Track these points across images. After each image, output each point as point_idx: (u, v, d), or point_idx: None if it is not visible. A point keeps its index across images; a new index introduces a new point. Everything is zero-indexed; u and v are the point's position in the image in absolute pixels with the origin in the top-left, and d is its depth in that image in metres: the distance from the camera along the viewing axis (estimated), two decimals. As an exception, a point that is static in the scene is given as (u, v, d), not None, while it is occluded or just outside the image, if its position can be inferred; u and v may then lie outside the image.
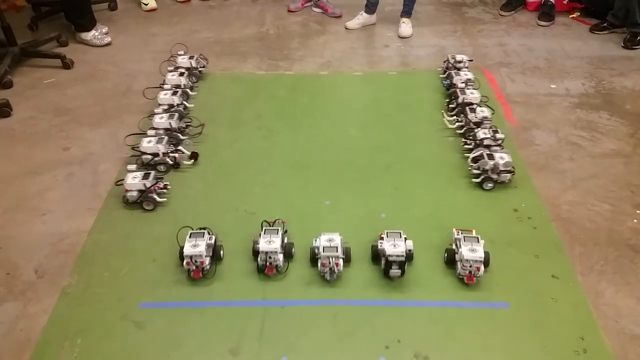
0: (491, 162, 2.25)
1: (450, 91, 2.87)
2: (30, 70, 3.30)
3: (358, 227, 2.11)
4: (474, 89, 2.78)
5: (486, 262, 1.87)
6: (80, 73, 3.29)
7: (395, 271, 1.84)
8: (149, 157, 2.38)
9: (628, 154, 2.53)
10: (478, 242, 1.87)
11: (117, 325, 1.76)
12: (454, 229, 1.97)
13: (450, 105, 2.78)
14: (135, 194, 2.19)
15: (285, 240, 1.96)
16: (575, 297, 1.83)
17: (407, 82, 3.17)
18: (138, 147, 2.40)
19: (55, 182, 2.39)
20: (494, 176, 2.26)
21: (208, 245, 1.90)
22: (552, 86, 3.09)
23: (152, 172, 2.23)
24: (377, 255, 1.93)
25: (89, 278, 1.92)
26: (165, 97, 2.72)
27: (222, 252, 1.97)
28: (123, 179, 2.22)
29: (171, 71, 2.98)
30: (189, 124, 2.66)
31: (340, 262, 1.85)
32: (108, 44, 3.61)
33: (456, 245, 1.92)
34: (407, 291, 1.86)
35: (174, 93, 2.74)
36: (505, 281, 1.89)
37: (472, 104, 2.65)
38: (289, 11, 4.11)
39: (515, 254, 2.00)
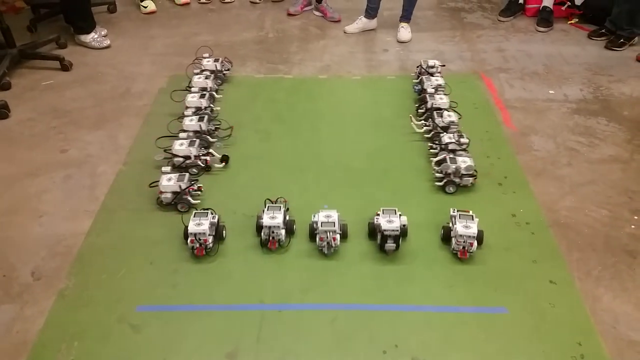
0: (453, 166, 2.26)
1: (420, 96, 2.89)
2: (29, 72, 3.30)
3: (355, 232, 2.11)
4: (444, 94, 2.80)
5: (479, 239, 1.97)
6: (79, 75, 3.29)
7: (390, 245, 1.95)
8: (181, 159, 2.38)
9: (626, 159, 2.53)
10: (473, 220, 1.96)
11: (114, 328, 1.75)
12: (451, 208, 2.05)
13: (420, 110, 2.80)
14: (169, 195, 2.19)
15: (287, 217, 2.07)
16: (572, 303, 1.83)
17: (406, 87, 3.17)
18: (170, 149, 2.40)
19: (52, 184, 2.39)
20: (456, 180, 2.28)
21: (211, 224, 1.97)
22: (551, 92, 3.10)
23: (187, 174, 2.23)
24: (373, 231, 2.04)
25: (86, 280, 1.92)
26: (193, 99, 2.72)
27: (224, 231, 2.06)
28: (157, 181, 2.21)
29: (197, 74, 2.99)
30: (218, 126, 2.66)
31: (337, 236, 1.96)
32: (107, 47, 3.61)
33: (451, 221, 2.01)
34: (405, 295, 1.86)
35: (202, 96, 2.75)
36: (504, 286, 1.89)
37: (440, 108, 2.67)
38: (289, 14, 4.11)
39: (514, 259, 2.00)
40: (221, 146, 2.48)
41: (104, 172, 2.45)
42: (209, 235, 1.95)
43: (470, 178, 2.29)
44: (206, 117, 2.57)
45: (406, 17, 3.76)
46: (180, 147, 2.38)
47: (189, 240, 1.95)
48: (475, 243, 1.95)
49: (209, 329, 1.75)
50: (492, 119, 2.82)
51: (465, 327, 1.75)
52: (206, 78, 2.93)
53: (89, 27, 3.59)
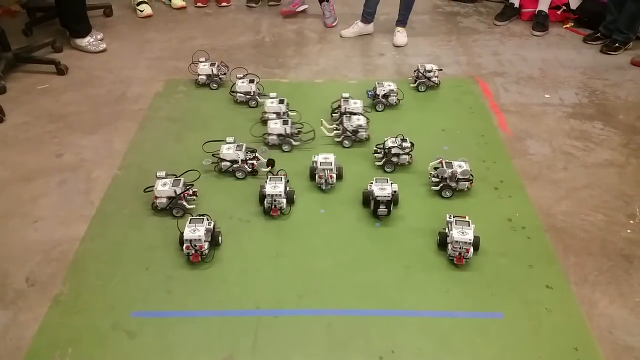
0: (449, 171, 2.27)
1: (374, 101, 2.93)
2: (24, 76, 3.29)
3: (354, 236, 2.11)
4: (397, 100, 2.89)
5: (476, 245, 1.97)
6: (74, 79, 3.28)
7: (382, 210, 2.12)
8: (228, 163, 2.39)
9: (621, 164, 2.54)
10: (469, 226, 1.96)
11: (108, 334, 1.74)
12: (447, 214, 2.06)
13: (334, 114, 2.82)
14: (164, 200, 2.18)
15: (288, 188, 2.23)
16: (569, 308, 1.83)
17: (402, 91, 3.17)
18: (218, 153, 2.41)
19: (47, 188, 2.38)
20: (452, 184, 2.29)
21: (207, 231, 1.97)
22: (546, 96, 3.11)
23: (182, 179, 2.22)
24: (367, 199, 2.21)
25: (80, 286, 1.91)
26: (272, 105, 2.74)
27: (220, 238, 2.05)
28: (152, 186, 2.20)
29: (240, 78, 2.98)
30: (300, 129, 2.67)
31: (334, 175, 2.28)
32: (103, 51, 3.60)
33: (448, 227, 2.01)
34: (402, 300, 1.86)
35: (281, 101, 2.75)
36: (500, 291, 1.89)
37: (352, 113, 2.68)
38: (282, 13, 4.10)
39: (510, 263, 2.00)
40: (266, 150, 2.50)
41: (99, 177, 2.44)
42: (205, 241, 1.95)
43: (467, 183, 2.29)
44: (290, 120, 2.61)
45: (402, 21, 3.77)
46: (228, 151, 2.39)
47: (184, 247, 1.95)
48: (472, 249, 1.95)
49: (204, 334, 1.74)
50: (488, 123, 2.82)
51: (461, 332, 1.75)
52: (250, 82, 2.93)
53: (85, 31, 3.58)
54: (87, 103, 3.03)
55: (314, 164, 2.32)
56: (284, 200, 2.17)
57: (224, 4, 4.34)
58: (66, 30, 3.62)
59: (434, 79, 3.10)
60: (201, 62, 3.12)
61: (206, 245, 1.96)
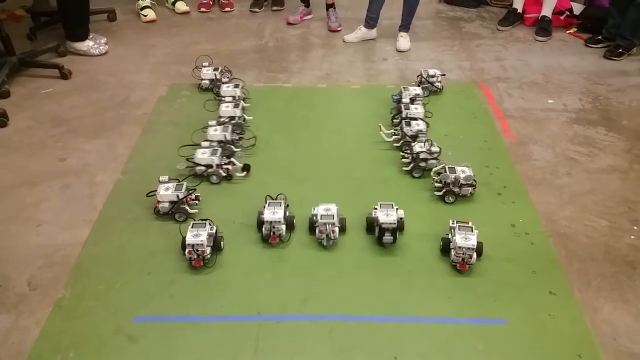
0: (452, 176, 2.26)
1: (397, 105, 2.91)
2: (28, 80, 3.30)
3: (356, 240, 2.11)
4: (422, 104, 2.84)
5: (479, 251, 1.95)
6: (78, 83, 3.29)
7: (387, 238, 2.01)
8: (203, 168, 2.39)
9: (625, 169, 2.53)
10: (472, 231, 1.96)
11: (110, 339, 1.74)
12: (450, 220, 2.05)
13: (395, 120, 2.82)
14: (167, 205, 2.18)
15: (287, 213, 2.12)
16: (572, 314, 1.82)
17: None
18: (192, 158, 2.41)
19: (51, 192, 2.38)
20: (456, 189, 2.28)
21: (209, 235, 1.97)
22: (550, 101, 3.11)
23: (184, 184, 2.23)
24: (371, 225, 2.09)
25: (83, 291, 1.91)
26: (227, 109, 2.74)
27: (222, 242, 2.04)
28: (155, 190, 2.21)
29: (224, 83, 3.00)
30: (241, 136, 2.67)
31: (337, 229, 2.03)
32: (105, 53, 3.62)
33: (451, 233, 2.01)
34: (404, 306, 1.85)
35: (236, 105, 2.76)
36: (503, 297, 1.88)
37: (414, 118, 2.67)
38: (288, 23, 4.12)
39: (513, 269, 1.99)
40: (243, 155, 2.50)
41: (102, 181, 2.44)
42: (207, 246, 1.95)
43: (470, 188, 2.29)
44: (230, 126, 2.58)
45: (405, 26, 3.77)
46: (203, 155, 2.39)
47: (186, 252, 1.94)
48: (475, 255, 1.94)
49: (206, 340, 1.73)
50: (491, 129, 2.82)
51: (464, 339, 1.74)
52: (235, 87, 2.93)
53: (85, 35, 3.58)
54: (91, 107, 3.03)
55: (314, 217, 2.08)
56: (283, 227, 2.07)
57: (228, 9, 4.36)
58: (66, 33, 3.60)
59: (437, 84, 3.10)
60: (204, 66, 3.13)
61: (208, 250, 1.96)
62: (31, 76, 3.33)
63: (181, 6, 4.32)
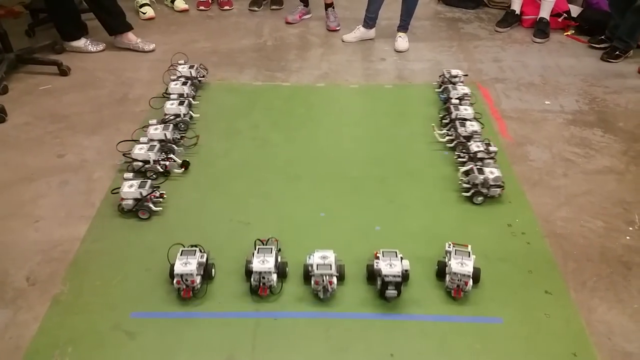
0: (481, 177, 2.26)
1: (445, 106, 2.89)
2: (27, 77, 3.29)
3: (353, 240, 2.11)
4: (470, 104, 2.82)
5: (476, 278, 1.86)
6: (76, 80, 3.29)
7: (391, 292, 1.80)
8: (140, 163, 2.38)
9: (621, 171, 2.55)
10: (469, 256, 1.86)
11: (108, 334, 1.74)
12: (447, 243, 1.97)
13: (444, 121, 2.80)
14: (130, 202, 2.18)
15: (279, 260, 1.92)
16: (568, 313, 1.84)
17: (403, 96, 3.19)
18: (130, 153, 2.41)
19: (49, 189, 2.38)
20: (484, 190, 2.28)
21: (199, 264, 1.84)
22: (547, 102, 3.12)
23: (149, 181, 2.23)
24: (372, 275, 1.88)
25: (80, 286, 1.91)
26: (172, 107, 2.73)
27: (213, 270, 1.92)
28: (119, 187, 2.21)
29: (173, 80, 2.98)
30: (183, 135, 2.66)
31: (334, 280, 1.81)
32: (102, 50, 3.62)
33: (447, 257, 1.93)
34: (400, 305, 1.85)
35: (181, 103, 2.75)
36: (499, 296, 1.89)
37: (464, 119, 2.67)
38: (287, 23, 4.13)
39: (509, 269, 2.00)
40: (183, 152, 2.51)
41: (100, 178, 2.44)
42: (197, 275, 1.82)
43: (498, 189, 2.27)
44: (171, 125, 2.56)
45: (404, 27, 3.78)
46: (140, 151, 2.39)
47: (174, 281, 1.82)
48: (471, 282, 1.83)
49: (204, 336, 1.74)
50: (489, 129, 2.82)
51: (460, 337, 1.75)
52: (183, 84, 2.92)
53: (79, 33, 3.59)
54: (89, 104, 3.03)
55: (309, 267, 1.84)
56: (274, 277, 1.84)
57: (227, 7, 4.36)
58: (59, 33, 3.60)
59: (459, 84, 3.04)
60: (180, 64, 3.11)
61: (198, 279, 1.83)
62: (30, 72, 3.33)
63: (180, 4, 4.32)
